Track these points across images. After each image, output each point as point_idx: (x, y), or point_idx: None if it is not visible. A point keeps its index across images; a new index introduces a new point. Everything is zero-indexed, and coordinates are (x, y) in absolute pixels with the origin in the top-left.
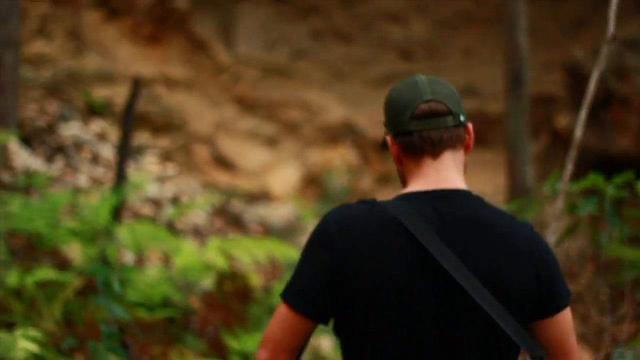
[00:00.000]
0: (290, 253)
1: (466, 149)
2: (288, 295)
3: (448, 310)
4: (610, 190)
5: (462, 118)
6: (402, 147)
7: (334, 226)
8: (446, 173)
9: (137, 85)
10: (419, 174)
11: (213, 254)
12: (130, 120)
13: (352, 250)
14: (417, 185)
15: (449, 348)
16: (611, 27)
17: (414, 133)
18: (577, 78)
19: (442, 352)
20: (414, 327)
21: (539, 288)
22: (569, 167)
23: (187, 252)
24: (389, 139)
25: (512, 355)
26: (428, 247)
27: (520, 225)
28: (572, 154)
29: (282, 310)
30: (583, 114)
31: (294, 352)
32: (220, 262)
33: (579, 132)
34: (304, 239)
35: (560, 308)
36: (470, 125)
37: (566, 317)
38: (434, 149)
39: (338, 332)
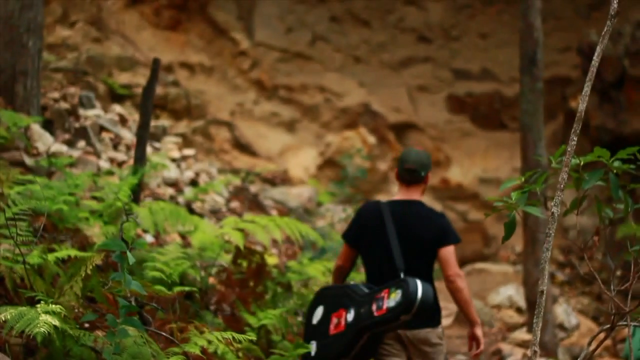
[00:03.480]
0: (308, 231)
1: (425, 184)
2: (344, 237)
3: (387, 240)
4: (615, 164)
5: (422, 174)
6: (398, 178)
7: (361, 209)
8: (410, 194)
9: (157, 66)
10: (400, 192)
11: (230, 231)
12: (149, 102)
13: (364, 219)
14: (397, 196)
15: (388, 255)
16: (615, 3)
17: (402, 175)
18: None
19: (389, 255)
20: (384, 245)
21: (437, 237)
22: (574, 140)
23: (205, 231)
24: (395, 172)
25: (426, 261)
26: (385, 220)
27: (435, 213)
28: (577, 126)
29: (344, 245)
30: (587, 89)
31: (348, 264)
32: (237, 239)
33: (582, 106)
34: (321, 220)
35: (444, 244)
36: (429, 175)
37: (448, 249)
38: (408, 184)
39: (362, 254)
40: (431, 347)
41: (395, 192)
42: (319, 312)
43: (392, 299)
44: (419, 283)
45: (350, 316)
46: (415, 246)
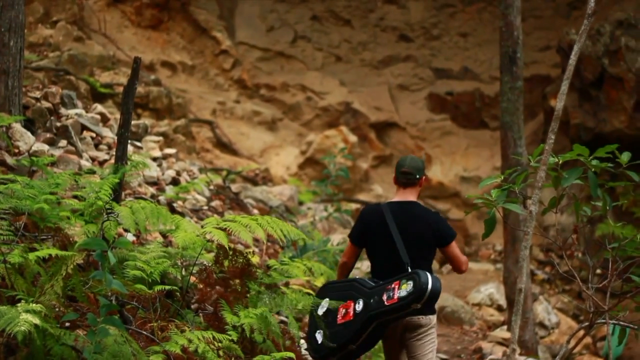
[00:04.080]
0: (290, 230)
1: (420, 187)
2: (350, 237)
3: (390, 238)
4: (594, 162)
5: (417, 176)
6: (395, 182)
7: (364, 212)
8: (407, 195)
9: (137, 65)
10: (398, 194)
11: (213, 231)
12: (130, 101)
13: (368, 220)
14: (396, 198)
15: (393, 252)
16: (592, 2)
17: (399, 178)
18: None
19: (394, 251)
20: (388, 243)
21: (436, 237)
22: (551, 139)
23: (186, 229)
24: (393, 177)
25: (427, 256)
26: (387, 220)
27: (431, 212)
28: (554, 125)
29: (348, 243)
30: (564, 87)
31: (352, 260)
32: (221, 238)
33: (559, 104)
34: (303, 219)
35: (447, 243)
36: (423, 178)
37: (452, 246)
38: (404, 186)
39: (367, 252)
40: (426, 333)
41: (393, 194)
42: (325, 304)
43: (404, 289)
44: (428, 275)
45: (359, 306)
46: (416, 242)
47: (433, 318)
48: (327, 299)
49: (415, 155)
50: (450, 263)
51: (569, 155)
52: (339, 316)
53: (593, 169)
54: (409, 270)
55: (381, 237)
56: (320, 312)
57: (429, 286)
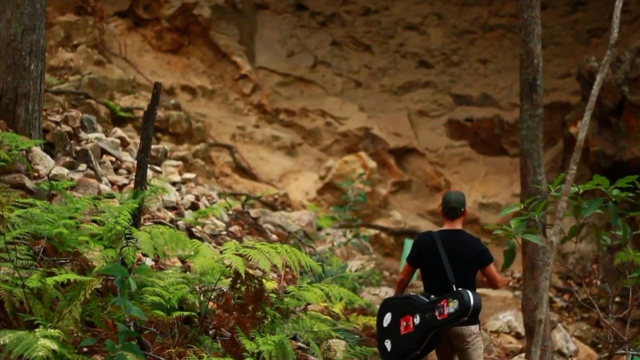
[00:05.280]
0: (307, 261)
1: (464, 217)
2: (407, 259)
3: (440, 261)
4: (614, 192)
5: (462, 209)
6: (443, 214)
7: (419, 238)
8: (454, 225)
9: (158, 90)
10: (446, 224)
11: (231, 257)
12: (150, 126)
13: (422, 245)
14: (445, 227)
15: (442, 272)
16: (615, 33)
17: (447, 212)
18: (591, 86)
19: (443, 272)
20: (438, 264)
21: (479, 259)
22: (573, 169)
23: (204, 255)
24: (440, 210)
25: (470, 275)
26: (437, 245)
27: (474, 239)
28: (576, 156)
29: (405, 264)
30: (587, 117)
31: (408, 278)
32: (238, 264)
33: (582, 135)
34: (321, 244)
35: (486, 265)
36: (466, 210)
37: (490, 267)
38: (452, 218)
39: (421, 271)
40: (473, 341)
41: (443, 224)
42: (388, 317)
43: (451, 306)
44: (470, 293)
45: (417, 320)
46: (461, 264)
47: (477, 327)
48: (390, 313)
49: (457, 191)
50: (488, 281)
51: (589, 185)
52: (402, 328)
53: (613, 199)
54: (454, 288)
55: (432, 259)
56: (385, 324)
57: (472, 303)
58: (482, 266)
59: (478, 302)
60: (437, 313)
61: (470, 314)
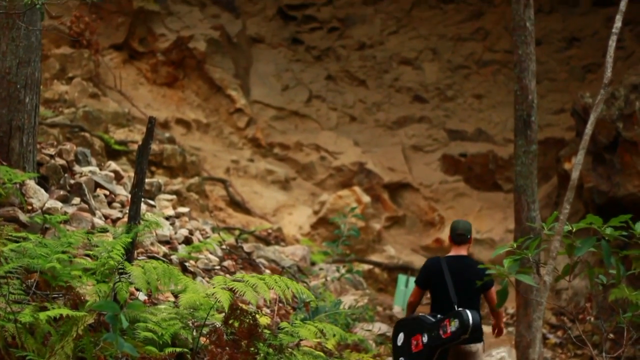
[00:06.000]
0: (297, 288)
1: (469, 244)
2: (416, 282)
3: (445, 283)
4: (607, 231)
5: (468, 236)
6: (450, 241)
7: (427, 263)
8: (460, 251)
9: (152, 125)
10: (453, 250)
11: (218, 291)
12: (144, 160)
13: (429, 269)
14: (452, 252)
15: (447, 294)
16: (608, 72)
17: (454, 238)
18: (585, 122)
19: (448, 294)
20: (443, 287)
21: (482, 283)
22: (566, 208)
23: (196, 290)
24: (448, 237)
25: (473, 297)
26: (443, 269)
27: (477, 263)
28: (569, 195)
29: (415, 287)
30: (580, 156)
31: (418, 299)
32: (224, 299)
33: (575, 174)
34: (315, 280)
35: (488, 289)
36: (472, 238)
37: (491, 291)
38: (458, 244)
39: (430, 292)
40: (478, 357)
41: (450, 250)
42: (401, 337)
43: (453, 325)
44: (469, 313)
45: (425, 339)
46: (465, 287)
47: (480, 345)
48: (402, 333)
49: (464, 220)
50: (488, 304)
51: (582, 224)
52: (413, 346)
53: (607, 238)
54: (456, 308)
55: (439, 282)
56: (399, 343)
57: (471, 322)
58: (485, 289)
59: (477, 321)
60: (441, 332)
61: (470, 332)
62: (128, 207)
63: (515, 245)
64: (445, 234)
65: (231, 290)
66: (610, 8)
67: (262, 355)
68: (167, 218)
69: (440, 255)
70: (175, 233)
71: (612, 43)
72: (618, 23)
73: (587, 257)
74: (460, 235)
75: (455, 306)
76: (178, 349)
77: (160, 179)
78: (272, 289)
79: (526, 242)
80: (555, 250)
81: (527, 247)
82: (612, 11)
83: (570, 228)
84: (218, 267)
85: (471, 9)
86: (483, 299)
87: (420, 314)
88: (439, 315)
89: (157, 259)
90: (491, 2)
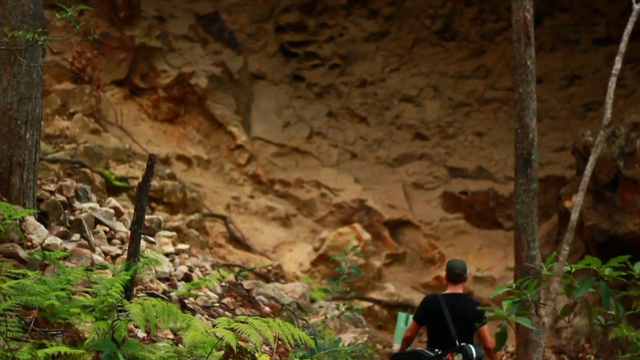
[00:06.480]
0: (299, 335)
1: (464, 282)
2: (414, 318)
3: (444, 319)
4: (606, 271)
5: (464, 275)
6: (447, 279)
7: (425, 300)
8: (456, 289)
9: (152, 162)
10: (449, 288)
11: (222, 331)
12: (144, 198)
13: (428, 306)
14: (448, 290)
15: (446, 329)
16: (608, 114)
17: (451, 277)
18: (586, 160)
19: (447, 329)
20: (442, 323)
21: (477, 319)
22: (565, 250)
23: (196, 329)
24: (445, 276)
25: (470, 332)
26: (442, 306)
27: (473, 301)
28: (568, 237)
29: (412, 322)
30: (579, 197)
31: (414, 334)
32: (229, 339)
33: (574, 215)
34: (314, 317)
35: (483, 325)
36: (467, 276)
37: (485, 328)
38: (455, 283)
39: (427, 328)
40: None
41: (446, 287)
42: None
43: (456, 359)
44: (472, 347)
45: None
46: (462, 323)
47: None
48: None
49: (460, 259)
50: (482, 340)
51: (581, 265)
52: None
53: (605, 279)
54: (457, 343)
55: (437, 318)
56: None
57: (475, 355)
58: (480, 325)
59: (480, 355)
60: None
61: None
62: (128, 244)
63: (514, 286)
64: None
65: (234, 330)
66: (611, 46)
67: None
68: (167, 255)
69: (438, 293)
70: (175, 270)
71: (612, 85)
72: (618, 64)
73: (586, 296)
74: (457, 275)
75: (457, 341)
76: None
77: (160, 215)
78: (274, 330)
79: (525, 283)
80: (554, 292)
81: (526, 288)
82: (613, 49)
83: (570, 269)
84: (217, 305)
85: (472, 47)
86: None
87: (417, 348)
88: (437, 350)
89: (156, 296)
90: (492, 40)
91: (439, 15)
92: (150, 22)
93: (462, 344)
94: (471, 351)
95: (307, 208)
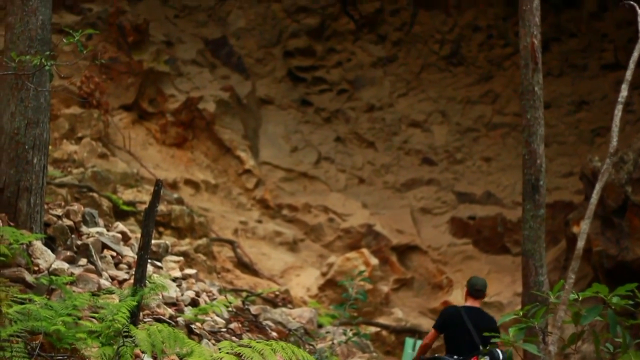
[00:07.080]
0: (304, 356)
1: (484, 298)
2: (435, 326)
3: (466, 328)
4: (614, 300)
5: (484, 292)
6: (468, 294)
7: (445, 310)
8: (475, 303)
9: (159, 187)
10: (468, 301)
11: (225, 356)
12: (151, 222)
13: (448, 316)
14: (468, 304)
15: (467, 338)
16: (614, 141)
17: (472, 293)
18: (594, 186)
19: (466, 339)
20: (463, 331)
21: (491, 329)
22: (572, 278)
23: (201, 354)
24: (465, 291)
25: (487, 344)
26: (464, 317)
27: (489, 316)
28: (574, 265)
29: (432, 330)
30: (585, 225)
31: (432, 342)
32: None
33: (580, 243)
34: (321, 342)
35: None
36: (486, 293)
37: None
38: (475, 298)
39: (445, 336)
40: None
41: (466, 301)
42: None
43: None
44: (499, 350)
45: None
46: (481, 334)
47: None
48: None
49: (481, 277)
50: None
51: (588, 293)
52: None
53: (613, 307)
54: (481, 348)
55: (459, 327)
56: None
57: (501, 356)
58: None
59: (505, 356)
60: None
61: None
62: (135, 269)
63: (521, 314)
64: (453, 297)
65: (238, 355)
66: (619, 72)
67: None
68: (174, 280)
69: (458, 305)
70: (182, 295)
71: (618, 113)
72: (624, 92)
73: (594, 323)
74: (478, 291)
75: (480, 347)
76: None
77: (168, 239)
78: (277, 352)
79: (532, 310)
80: (561, 320)
81: (533, 315)
82: (621, 75)
83: (577, 297)
84: (224, 330)
85: (480, 72)
86: None
87: (436, 354)
88: (456, 357)
89: (163, 321)
90: (500, 65)
91: (446, 41)
92: (158, 47)
93: (489, 347)
94: (497, 354)
95: (314, 233)
